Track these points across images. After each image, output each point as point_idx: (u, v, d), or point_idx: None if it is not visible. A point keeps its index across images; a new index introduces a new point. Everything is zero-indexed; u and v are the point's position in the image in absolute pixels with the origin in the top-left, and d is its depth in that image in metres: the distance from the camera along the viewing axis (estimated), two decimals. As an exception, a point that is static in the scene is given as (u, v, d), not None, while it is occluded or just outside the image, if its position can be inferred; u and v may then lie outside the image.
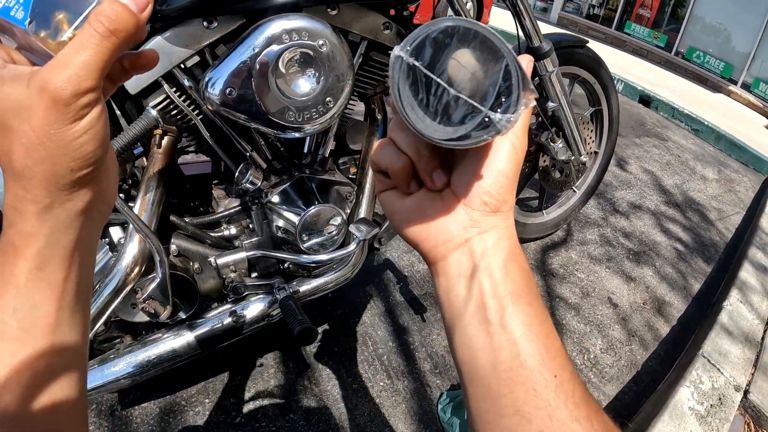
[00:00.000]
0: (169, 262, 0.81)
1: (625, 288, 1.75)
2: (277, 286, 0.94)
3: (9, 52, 0.25)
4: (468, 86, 0.22)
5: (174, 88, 0.78)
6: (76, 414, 0.27)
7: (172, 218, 0.86)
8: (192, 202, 0.99)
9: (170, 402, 1.05)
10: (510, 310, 0.26)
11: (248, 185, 0.86)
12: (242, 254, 0.91)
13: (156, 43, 0.74)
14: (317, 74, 0.77)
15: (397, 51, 0.22)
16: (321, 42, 0.75)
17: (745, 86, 5.24)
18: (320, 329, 1.29)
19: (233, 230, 0.95)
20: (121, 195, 0.85)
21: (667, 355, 1.48)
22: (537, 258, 1.78)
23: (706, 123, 3.74)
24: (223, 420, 1.03)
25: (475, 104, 0.22)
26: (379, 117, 1.05)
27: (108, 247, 0.84)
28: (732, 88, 5.22)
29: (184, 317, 0.88)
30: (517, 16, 1.18)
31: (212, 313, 0.92)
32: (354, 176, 1.07)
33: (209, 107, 0.77)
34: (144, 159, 0.89)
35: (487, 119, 0.22)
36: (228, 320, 0.92)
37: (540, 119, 1.45)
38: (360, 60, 0.90)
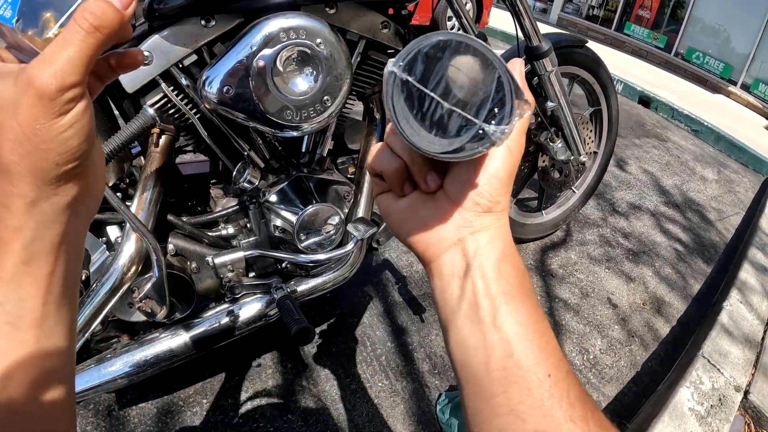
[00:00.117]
0: (166, 262, 0.80)
1: (625, 288, 1.74)
2: (275, 285, 0.93)
3: None
4: (461, 99, 0.22)
5: (171, 87, 0.78)
6: (63, 412, 0.26)
7: (170, 217, 0.86)
8: (190, 202, 0.99)
9: (168, 402, 1.05)
10: (503, 309, 0.27)
11: (246, 184, 0.86)
12: (240, 254, 0.91)
13: (153, 41, 0.74)
14: (315, 73, 0.77)
15: (390, 66, 0.22)
16: (319, 41, 0.75)
17: (745, 87, 5.23)
18: (318, 329, 1.28)
19: (231, 230, 0.95)
20: (118, 194, 0.85)
21: (667, 356, 1.48)
22: (536, 258, 1.78)
23: (705, 124, 3.74)
24: (221, 420, 1.03)
25: (469, 117, 0.22)
26: (377, 116, 1.05)
27: (105, 246, 0.84)
28: (731, 88, 5.22)
29: (181, 317, 0.88)
30: (516, 16, 1.18)
31: (209, 313, 0.92)
32: (352, 176, 1.06)
33: (207, 106, 0.77)
34: (142, 158, 0.89)
35: (481, 131, 0.22)
36: (225, 320, 0.91)
37: (539, 119, 1.45)
38: (358, 59, 0.89)
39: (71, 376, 0.28)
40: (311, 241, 0.91)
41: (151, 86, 0.77)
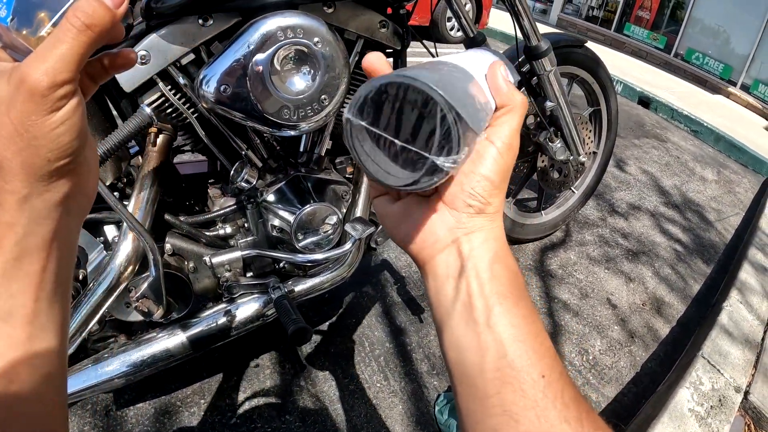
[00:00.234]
0: (163, 261, 0.80)
1: (625, 289, 1.74)
2: (272, 285, 0.93)
3: None
4: (411, 135, 0.23)
5: (169, 86, 0.78)
6: (54, 411, 0.26)
7: (167, 217, 0.86)
8: (187, 201, 0.99)
9: (165, 402, 1.05)
10: (497, 310, 0.27)
11: (243, 184, 0.85)
12: (237, 253, 0.90)
13: (151, 40, 0.73)
14: (313, 72, 0.77)
15: (345, 113, 0.24)
16: (316, 39, 0.75)
17: (745, 88, 5.23)
18: (317, 330, 1.28)
19: (228, 229, 0.94)
20: (115, 193, 0.85)
21: (667, 356, 1.48)
22: (536, 259, 1.78)
23: (705, 124, 3.74)
24: (219, 421, 1.02)
25: (420, 152, 0.23)
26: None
27: (102, 245, 0.84)
28: (731, 89, 5.22)
29: (178, 317, 0.88)
30: (516, 15, 1.18)
31: (207, 313, 0.92)
32: (350, 175, 1.06)
33: (204, 105, 0.77)
34: (140, 158, 0.89)
35: (432, 164, 0.23)
36: (223, 320, 0.91)
37: (538, 119, 1.45)
38: (356, 58, 0.89)
39: (63, 374, 0.28)
40: (309, 240, 0.91)
41: (148, 85, 0.77)
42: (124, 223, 0.77)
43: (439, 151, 0.23)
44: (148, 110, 0.75)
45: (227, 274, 0.91)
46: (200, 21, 0.74)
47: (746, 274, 1.82)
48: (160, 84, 0.77)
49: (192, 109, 0.81)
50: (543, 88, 1.33)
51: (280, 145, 0.95)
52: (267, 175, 0.93)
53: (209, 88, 0.74)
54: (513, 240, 1.75)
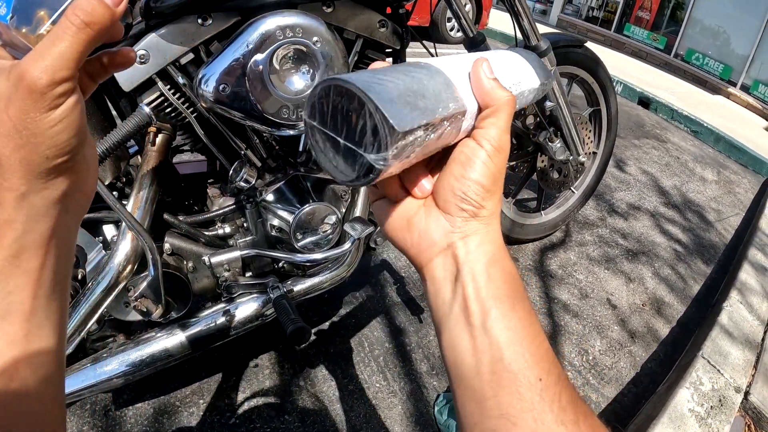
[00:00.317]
0: (162, 261, 0.80)
1: (625, 289, 1.74)
2: (272, 285, 0.93)
3: None
4: (352, 134, 0.25)
5: (168, 86, 0.78)
6: (52, 409, 0.26)
7: (166, 216, 0.85)
8: (187, 201, 0.99)
9: (164, 402, 1.04)
10: (493, 313, 0.27)
11: (242, 183, 0.85)
12: (236, 253, 0.90)
13: (150, 40, 0.73)
14: (311, 71, 0.77)
15: (302, 115, 0.27)
16: (315, 39, 0.75)
17: (744, 88, 5.24)
18: (316, 330, 1.28)
19: (227, 229, 0.94)
20: (114, 192, 0.85)
21: (667, 357, 1.47)
22: (535, 259, 1.77)
23: (705, 125, 3.74)
24: (218, 421, 1.02)
25: (356, 149, 0.25)
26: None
27: (101, 244, 0.84)
28: (731, 90, 5.22)
29: (177, 316, 0.88)
30: (515, 15, 1.18)
31: (206, 312, 0.92)
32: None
33: (203, 104, 0.77)
34: (139, 157, 0.89)
35: (366, 161, 0.24)
36: (221, 319, 0.91)
37: (538, 119, 1.45)
38: (355, 58, 0.89)
39: (61, 372, 0.28)
40: (308, 240, 0.91)
41: (147, 85, 0.77)
42: (123, 223, 0.77)
43: (371, 149, 0.24)
44: (147, 109, 0.75)
45: (226, 274, 0.91)
46: (199, 20, 0.74)
47: (746, 275, 1.82)
48: (159, 83, 0.77)
49: (191, 109, 0.81)
50: (542, 88, 1.32)
51: (279, 144, 0.95)
52: (266, 174, 0.93)
53: (208, 88, 0.74)
54: (512, 240, 1.75)
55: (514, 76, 0.33)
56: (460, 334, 0.27)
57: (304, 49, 0.75)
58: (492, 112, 0.28)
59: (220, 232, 0.94)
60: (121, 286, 0.78)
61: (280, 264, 0.98)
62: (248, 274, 0.95)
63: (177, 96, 0.79)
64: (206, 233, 0.91)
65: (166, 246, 0.86)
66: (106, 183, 0.85)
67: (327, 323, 1.31)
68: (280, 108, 0.76)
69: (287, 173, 0.93)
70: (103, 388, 0.84)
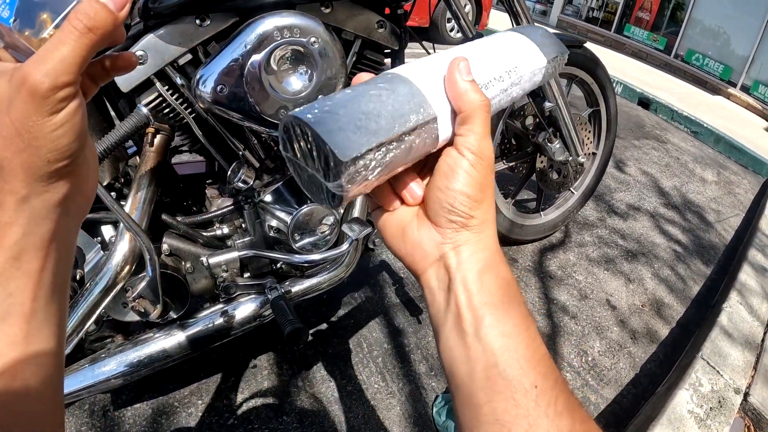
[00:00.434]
0: (160, 261, 0.80)
1: (624, 290, 1.74)
2: (270, 286, 0.93)
3: None
4: (313, 163, 0.26)
5: (166, 86, 0.78)
6: (51, 410, 0.26)
7: (164, 217, 0.85)
8: (185, 202, 0.99)
9: (163, 403, 1.04)
10: (487, 320, 0.27)
11: (240, 184, 0.85)
12: (234, 254, 0.90)
13: (148, 40, 0.73)
14: (309, 72, 0.77)
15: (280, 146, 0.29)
16: (313, 39, 0.75)
17: (744, 89, 5.23)
18: (314, 331, 1.28)
19: (226, 230, 0.94)
20: (112, 193, 0.85)
21: (666, 358, 1.47)
22: (535, 260, 1.77)
23: (705, 125, 3.74)
24: (216, 421, 1.02)
25: (317, 175, 0.26)
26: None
27: (99, 245, 0.84)
28: (731, 90, 5.22)
29: (175, 317, 0.87)
30: (514, 15, 1.19)
31: (204, 313, 0.92)
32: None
33: (201, 105, 0.77)
34: (137, 158, 0.89)
35: (327, 188, 0.26)
36: (220, 320, 0.91)
37: (537, 119, 1.45)
38: (354, 58, 0.89)
39: (60, 373, 0.28)
40: (306, 241, 0.91)
41: (146, 85, 0.77)
42: (121, 223, 0.77)
43: (329, 177, 0.25)
44: (145, 110, 0.75)
45: (224, 275, 0.91)
46: (197, 21, 0.74)
47: (746, 276, 1.82)
48: (158, 84, 0.77)
49: (189, 109, 0.81)
50: (542, 88, 1.33)
51: (277, 145, 0.95)
52: (264, 175, 0.93)
53: (206, 88, 0.74)
54: (512, 241, 1.75)
55: (508, 63, 0.32)
56: (454, 341, 0.28)
57: (302, 49, 0.75)
58: (466, 118, 0.27)
59: (219, 232, 0.94)
60: (119, 286, 0.78)
61: (279, 265, 0.98)
62: (246, 274, 0.95)
63: (175, 97, 0.79)
64: (204, 234, 0.91)
65: (165, 247, 0.86)
66: (105, 184, 0.85)
67: (325, 324, 1.31)
68: (278, 109, 0.76)
69: (285, 174, 0.93)
70: (102, 389, 0.84)
